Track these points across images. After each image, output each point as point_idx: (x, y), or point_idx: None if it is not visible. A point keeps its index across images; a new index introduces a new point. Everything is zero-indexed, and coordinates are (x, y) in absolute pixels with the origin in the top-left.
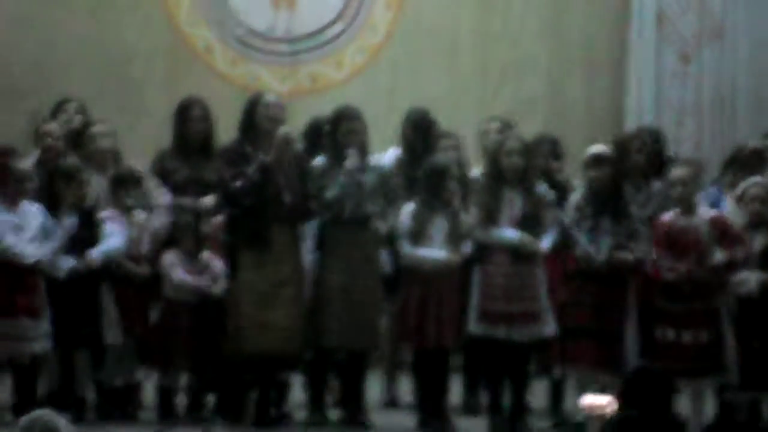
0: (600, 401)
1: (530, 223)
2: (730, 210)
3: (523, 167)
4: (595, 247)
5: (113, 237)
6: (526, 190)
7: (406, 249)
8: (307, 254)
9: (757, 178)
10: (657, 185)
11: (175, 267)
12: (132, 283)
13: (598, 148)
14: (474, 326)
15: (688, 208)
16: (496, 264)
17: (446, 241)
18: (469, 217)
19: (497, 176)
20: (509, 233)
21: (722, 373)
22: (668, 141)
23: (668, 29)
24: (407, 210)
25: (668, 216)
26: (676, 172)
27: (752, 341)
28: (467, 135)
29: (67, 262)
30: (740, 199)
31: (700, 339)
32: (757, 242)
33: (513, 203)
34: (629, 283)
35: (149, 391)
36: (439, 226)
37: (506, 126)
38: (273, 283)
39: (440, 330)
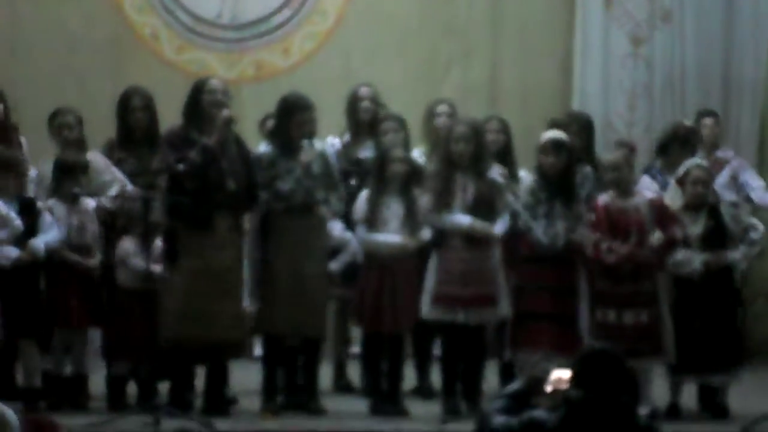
0: (567, 376)
1: (483, 207)
2: (671, 191)
3: (472, 152)
4: (552, 232)
5: (53, 228)
6: (478, 174)
7: (361, 234)
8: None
9: (697, 160)
10: (587, 169)
11: (131, 256)
12: (78, 272)
13: (557, 134)
14: (429, 310)
15: (624, 190)
16: (452, 249)
17: (402, 225)
18: (423, 201)
19: (449, 162)
20: (461, 218)
21: (661, 354)
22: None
23: (618, 12)
24: (362, 196)
25: (604, 198)
26: (608, 156)
27: (693, 323)
28: (418, 120)
29: (12, 252)
30: (681, 181)
31: (641, 320)
32: (699, 224)
33: (466, 188)
34: (579, 266)
35: (98, 381)
36: (394, 211)
37: (453, 108)
38: (215, 270)
39: (396, 315)
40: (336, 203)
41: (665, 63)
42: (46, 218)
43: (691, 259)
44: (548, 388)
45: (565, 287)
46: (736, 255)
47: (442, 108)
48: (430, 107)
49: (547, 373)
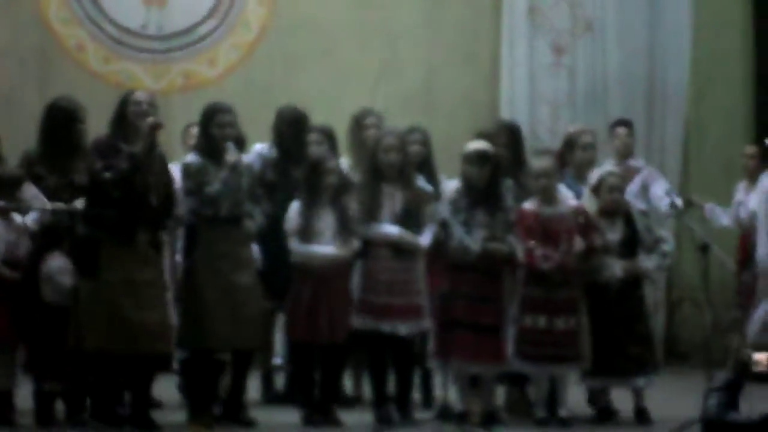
0: None
1: (411, 217)
2: (585, 199)
3: (401, 163)
4: (469, 240)
5: None
6: (405, 184)
7: (295, 246)
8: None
9: (609, 168)
10: (508, 181)
11: (58, 273)
12: (7, 287)
13: (482, 144)
14: (356, 320)
15: (550, 198)
16: (378, 259)
17: (335, 236)
18: (354, 212)
19: (376, 172)
20: (389, 229)
21: (580, 360)
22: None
23: (540, 21)
24: (294, 207)
25: (530, 205)
26: (538, 163)
27: (607, 329)
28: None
29: None
30: (595, 189)
31: (569, 326)
32: (617, 231)
33: (393, 198)
34: (504, 275)
35: (26, 396)
36: (326, 221)
37: (380, 119)
38: (138, 283)
39: (332, 325)
40: (259, 217)
41: (588, 72)
42: None
43: (611, 265)
44: (757, 369)
45: (487, 296)
46: (649, 264)
47: (371, 120)
48: (357, 118)
49: (749, 356)
